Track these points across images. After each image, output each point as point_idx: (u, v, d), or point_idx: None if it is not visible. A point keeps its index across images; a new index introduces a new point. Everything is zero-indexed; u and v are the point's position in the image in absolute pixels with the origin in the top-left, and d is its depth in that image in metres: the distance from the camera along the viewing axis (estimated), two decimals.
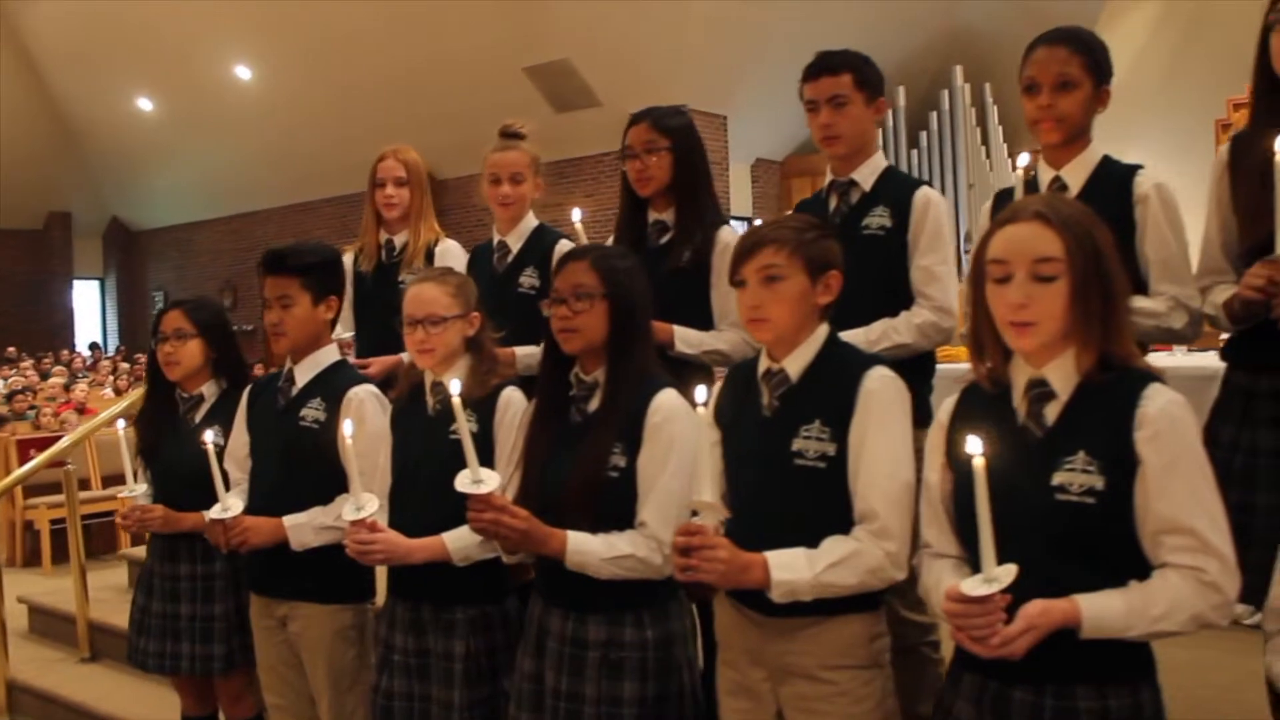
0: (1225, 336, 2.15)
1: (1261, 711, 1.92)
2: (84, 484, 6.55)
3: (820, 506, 1.78)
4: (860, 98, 2.38)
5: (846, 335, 2.05)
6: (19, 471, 5.17)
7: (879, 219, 2.38)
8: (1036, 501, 1.51)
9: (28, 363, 13.32)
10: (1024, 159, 2.21)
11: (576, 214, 2.61)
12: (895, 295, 2.35)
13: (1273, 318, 1.87)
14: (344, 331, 3.12)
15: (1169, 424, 1.48)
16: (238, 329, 12.17)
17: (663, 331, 2.43)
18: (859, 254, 2.19)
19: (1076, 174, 2.19)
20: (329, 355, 2.66)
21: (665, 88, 8.82)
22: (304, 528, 2.49)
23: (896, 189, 2.41)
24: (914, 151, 10.57)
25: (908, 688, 2.23)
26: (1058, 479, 1.51)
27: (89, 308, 18.42)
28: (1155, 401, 1.49)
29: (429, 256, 3.15)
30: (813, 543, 1.74)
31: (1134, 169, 2.18)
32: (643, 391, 2.02)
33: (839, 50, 2.42)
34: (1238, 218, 2.04)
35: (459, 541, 2.19)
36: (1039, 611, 1.44)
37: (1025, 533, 1.50)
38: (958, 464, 1.60)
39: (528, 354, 2.54)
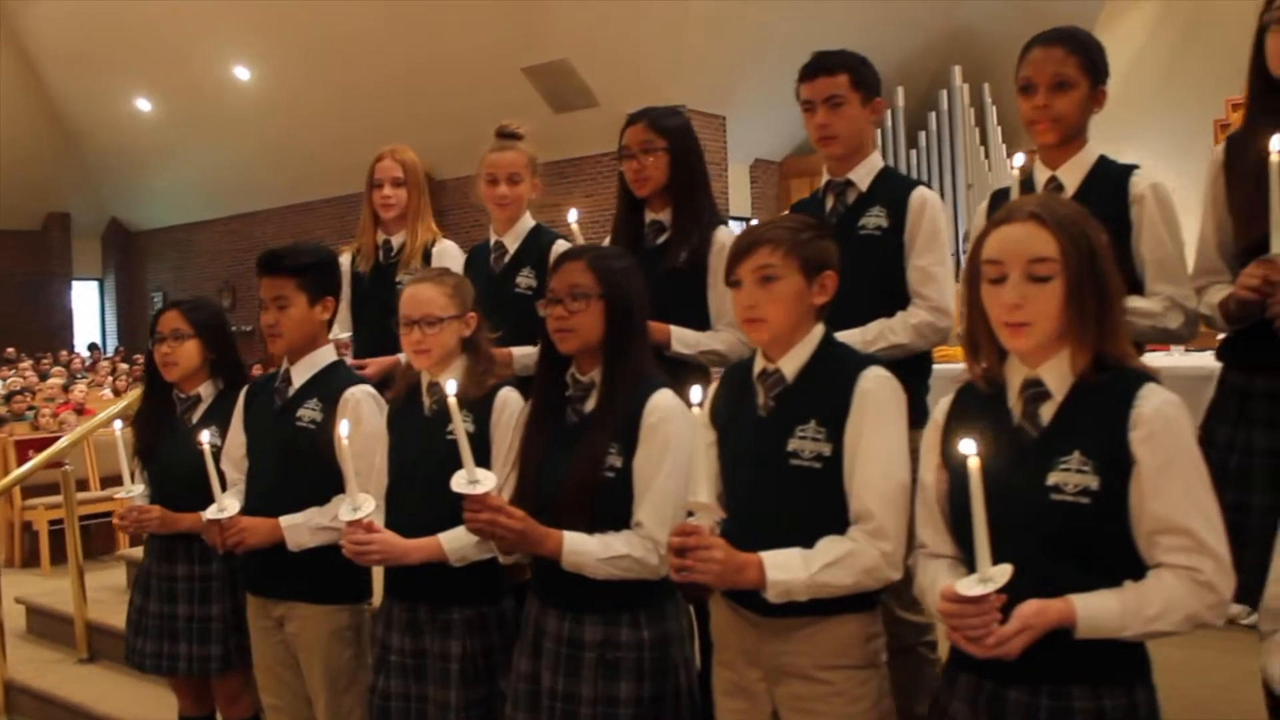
0: (1222, 336, 2.15)
1: (1258, 711, 1.92)
2: (83, 485, 6.56)
3: (816, 507, 1.78)
4: (857, 98, 2.38)
5: (843, 335, 2.05)
6: (17, 472, 5.16)
7: (875, 219, 2.38)
8: (1031, 501, 1.51)
9: (26, 363, 13.31)
10: (1019, 159, 2.21)
11: (572, 214, 2.61)
12: (892, 295, 2.35)
13: (1267, 317, 1.87)
14: (341, 332, 3.12)
15: (1164, 424, 1.48)
16: (237, 329, 12.14)
17: (659, 332, 2.43)
18: (855, 254, 2.19)
19: (1072, 174, 2.19)
20: (326, 356, 2.66)
21: (664, 88, 8.83)
22: (300, 528, 2.49)
23: (893, 189, 2.41)
24: (913, 152, 10.58)
25: (905, 688, 2.23)
26: (1053, 479, 1.51)
27: (88, 308, 18.43)
28: (1150, 401, 1.49)
29: (426, 257, 3.15)
30: (808, 543, 1.74)
31: (1130, 169, 2.18)
32: (639, 392, 2.02)
33: (835, 50, 2.42)
34: (1233, 218, 2.04)
35: (455, 542, 2.19)
36: (1034, 611, 1.44)
37: (1020, 533, 1.50)
38: (953, 464, 1.60)
39: (525, 354, 2.55)
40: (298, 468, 2.54)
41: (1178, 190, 2.18)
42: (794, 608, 1.73)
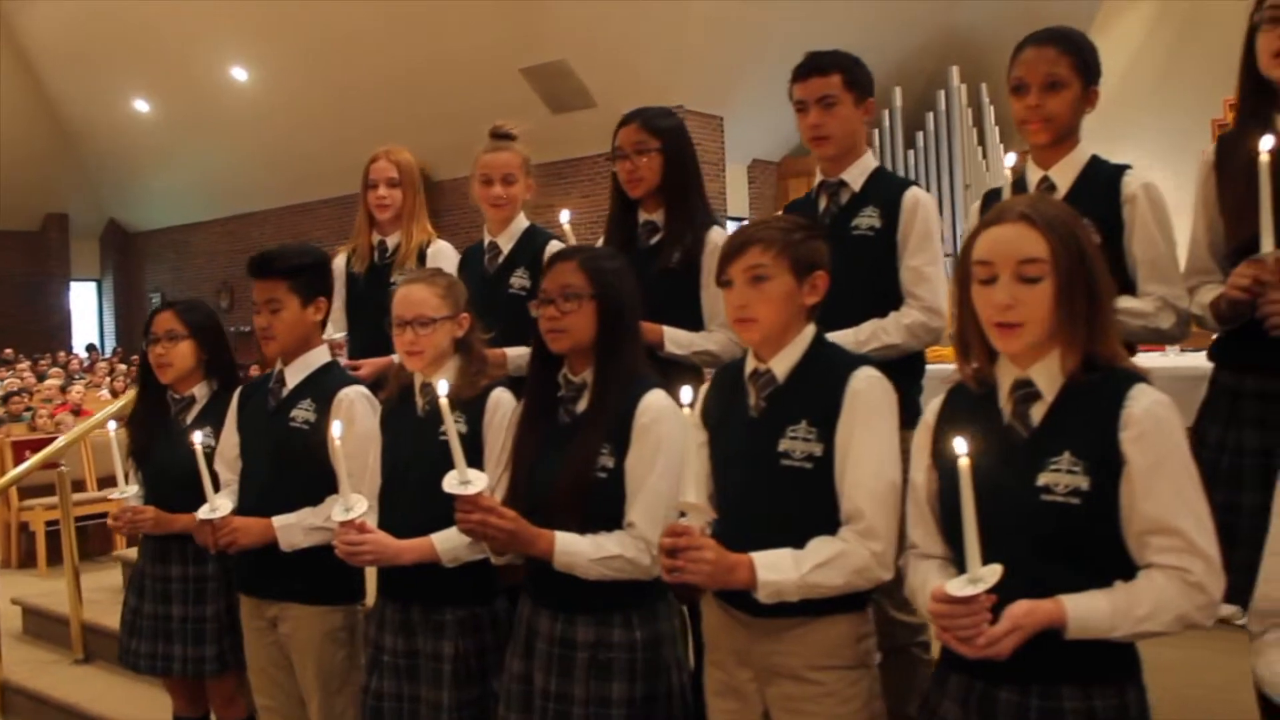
0: (1215, 337, 2.15)
1: (1251, 712, 1.92)
2: (80, 486, 6.56)
3: (807, 507, 1.78)
4: (849, 98, 2.38)
5: (836, 336, 2.05)
6: (13, 473, 5.16)
7: (868, 219, 2.38)
8: (1022, 502, 1.51)
9: (24, 364, 13.30)
10: (1011, 159, 2.21)
11: (565, 215, 2.62)
12: (885, 296, 2.35)
13: (1258, 317, 1.87)
14: (335, 332, 3.11)
15: (1154, 424, 1.48)
16: (235, 330, 12.21)
17: (652, 332, 2.43)
18: (848, 254, 2.20)
19: (1065, 174, 2.19)
20: (319, 357, 2.66)
21: (661, 89, 8.84)
22: (293, 528, 2.49)
23: (886, 189, 2.41)
24: (910, 152, 10.59)
25: (898, 688, 2.23)
26: (1043, 479, 1.51)
27: (86, 309, 18.42)
28: (1140, 402, 1.49)
29: (421, 258, 3.14)
30: (799, 543, 1.74)
31: (1122, 169, 2.18)
32: (631, 392, 2.02)
33: (828, 51, 2.42)
34: (1224, 218, 2.04)
35: (448, 542, 2.19)
36: (1024, 612, 1.44)
37: (1011, 533, 1.50)
38: (943, 464, 1.60)
39: (519, 355, 2.55)
40: (291, 468, 2.54)
41: (1174, 190, 2.18)
42: (785, 608, 1.73)
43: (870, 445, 1.76)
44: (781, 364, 1.85)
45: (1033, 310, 1.52)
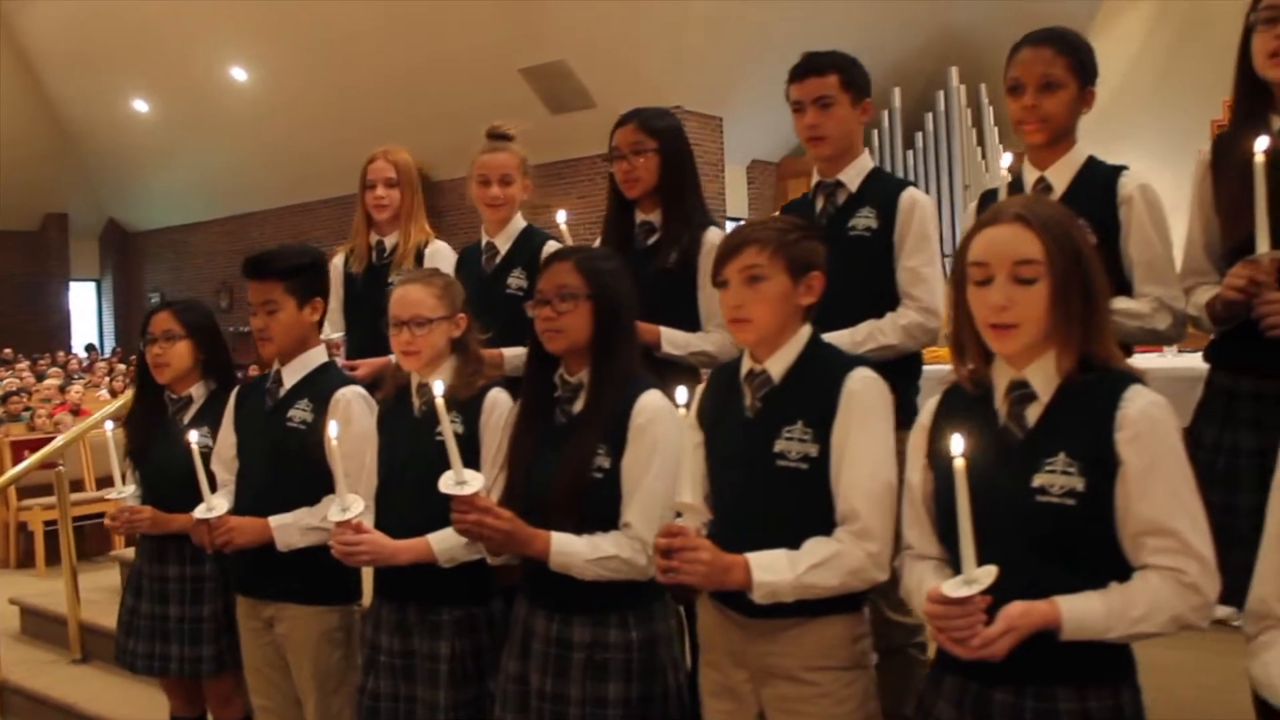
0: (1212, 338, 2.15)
1: (1247, 713, 1.92)
2: (78, 485, 6.55)
3: (802, 508, 1.78)
4: (846, 99, 2.38)
5: (832, 336, 2.05)
6: (11, 472, 5.17)
7: (865, 220, 2.38)
8: (1017, 503, 1.51)
9: (23, 364, 13.29)
10: (1007, 159, 2.21)
11: (561, 215, 2.62)
12: (881, 296, 2.35)
13: (1253, 318, 1.87)
14: (333, 332, 3.11)
15: (1149, 425, 1.48)
16: (234, 330, 12.23)
17: (649, 333, 2.43)
18: (845, 255, 2.20)
19: (1061, 175, 2.19)
20: (317, 357, 2.66)
21: (661, 89, 8.84)
22: (290, 528, 2.49)
23: (883, 190, 2.41)
24: (909, 153, 10.59)
25: (894, 689, 2.23)
26: (1038, 480, 1.51)
27: (85, 309, 18.41)
28: (1136, 403, 1.49)
29: (419, 258, 3.14)
30: (795, 544, 1.74)
31: (1118, 170, 2.18)
32: (627, 393, 2.02)
33: (826, 51, 2.42)
34: (1220, 218, 2.04)
35: (444, 543, 2.19)
36: (1019, 613, 1.44)
37: (1006, 534, 1.49)
38: (939, 465, 1.60)
39: (516, 355, 2.54)
40: (288, 468, 2.54)
41: (1174, 191, 2.18)
42: (780, 609, 1.73)
43: (866, 446, 1.76)
44: (777, 364, 1.85)
45: (1028, 311, 1.51)
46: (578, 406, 2.07)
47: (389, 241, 3.21)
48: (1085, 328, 1.52)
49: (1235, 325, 1.96)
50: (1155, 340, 2.17)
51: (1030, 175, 2.24)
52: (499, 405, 2.28)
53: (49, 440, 5.75)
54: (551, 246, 2.76)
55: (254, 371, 5.65)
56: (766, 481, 1.80)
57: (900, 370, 2.26)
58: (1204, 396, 2.09)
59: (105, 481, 6.62)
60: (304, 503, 2.51)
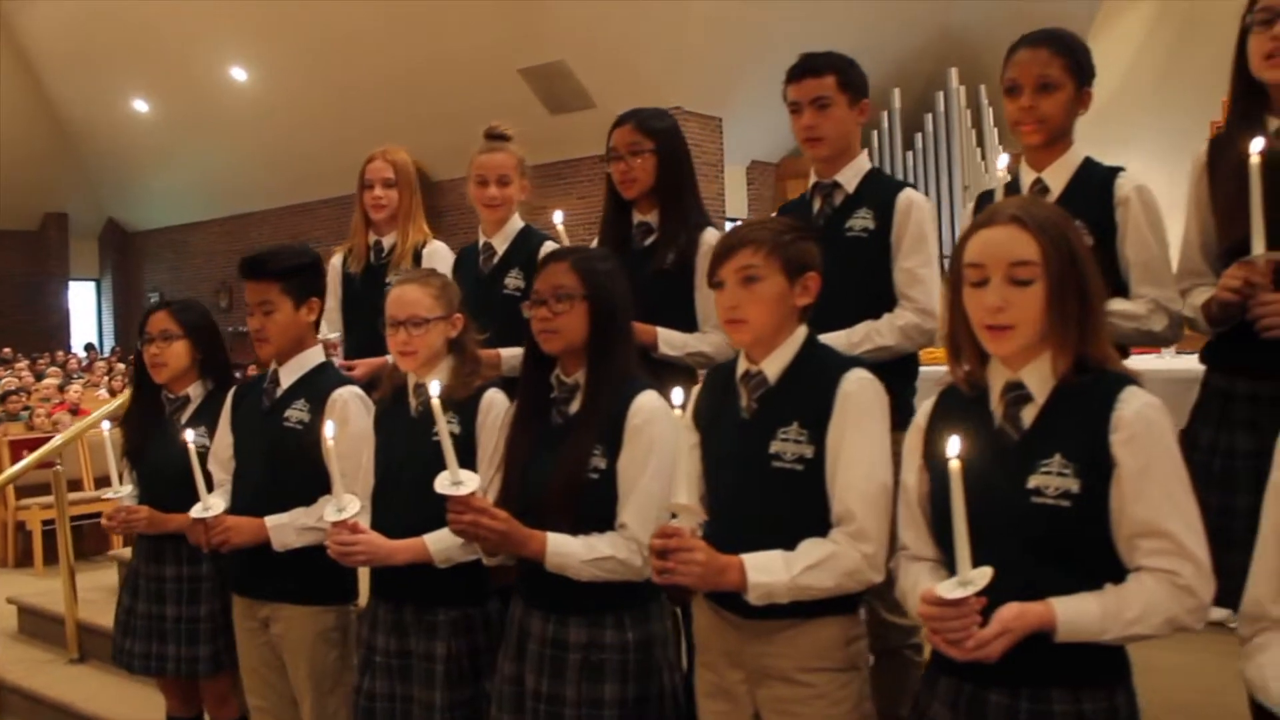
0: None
1: (1243, 716, 1.92)
2: (76, 485, 6.55)
3: (798, 509, 1.78)
4: (844, 99, 2.38)
5: (829, 337, 2.05)
6: (9, 472, 5.17)
7: (862, 221, 2.38)
8: (1013, 504, 1.51)
9: (23, 363, 13.29)
10: (1003, 160, 2.20)
11: (558, 216, 2.62)
12: (878, 297, 2.35)
13: (1249, 319, 1.87)
14: (331, 332, 3.11)
15: (1145, 427, 1.48)
16: (233, 330, 12.23)
17: (646, 334, 2.43)
18: (842, 256, 2.20)
19: (1058, 176, 2.19)
20: (313, 357, 2.65)
21: (660, 90, 8.83)
22: (286, 528, 2.49)
23: (880, 191, 2.41)
24: (909, 154, 10.60)
25: (890, 690, 2.23)
26: (1034, 482, 1.50)
27: (85, 309, 18.42)
28: (1131, 404, 1.49)
29: (417, 258, 3.14)
30: (790, 545, 1.74)
31: (1115, 171, 2.18)
32: (623, 393, 2.02)
33: (823, 52, 2.42)
34: (1215, 219, 2.04)
35: (440, 543, 2.19)
36: (1014, 615, 1.44)
37: (1001, 535, 1.49)
38: (934, 466, 1.60)
39: (513, 355, 2.54)
40: (285, 468, 2.54)
41: (1174, 191, 2.18)
42: (775, 610, 1.73)
43: (862, 447, 1.76)
44: (773, 365, 1.85)
45: (1024, 313, 1.51)
46: (574, 407, 2.06)
47: (387, 241, 3.21)
48: (1081, 329, 1.52)
49: (1231, 327, 1.96)
50: (1151, 342, 2.17)
51: (1027, 176, 2.24)
52: (495, 406, 2.28)
53: (47, 440, 5.75)
54: (549, 247, 2.76)
55: (253, 372, 5.66)
56: (762, 482, 1.80)
57: (896, 371, 2.25)
58: (1200, 398, 2.09)
59: (103, 481, 6.62)
60: (301, 503, 2.51)
